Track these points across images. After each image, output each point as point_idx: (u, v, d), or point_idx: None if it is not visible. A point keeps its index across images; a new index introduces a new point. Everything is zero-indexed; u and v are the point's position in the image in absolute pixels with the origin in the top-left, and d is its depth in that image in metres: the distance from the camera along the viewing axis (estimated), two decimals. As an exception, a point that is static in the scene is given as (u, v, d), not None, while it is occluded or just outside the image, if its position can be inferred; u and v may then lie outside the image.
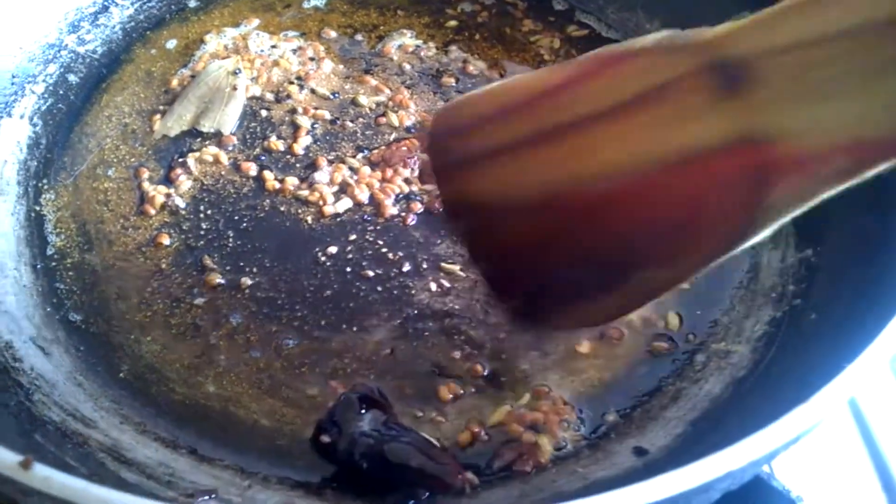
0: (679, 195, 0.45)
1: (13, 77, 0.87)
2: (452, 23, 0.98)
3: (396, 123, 0.88)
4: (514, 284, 0.65)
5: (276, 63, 0.93)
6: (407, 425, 0.66)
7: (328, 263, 0.78)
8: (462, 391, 0.71)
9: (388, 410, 0.66)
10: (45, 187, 0.83)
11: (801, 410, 0.49)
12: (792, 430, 0.49)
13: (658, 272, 0.54)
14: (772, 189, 0.44)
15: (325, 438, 0.64)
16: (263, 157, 0.85)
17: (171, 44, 0.95)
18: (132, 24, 0.96)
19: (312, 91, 0.91)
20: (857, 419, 0.73)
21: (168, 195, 0.82)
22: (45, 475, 0.47)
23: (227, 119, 0.87)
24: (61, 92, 0.89)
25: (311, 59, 0.93)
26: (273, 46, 0.94)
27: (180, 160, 0.85)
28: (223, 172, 0.84)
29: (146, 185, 0.83)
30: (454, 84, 0.92)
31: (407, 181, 0.83)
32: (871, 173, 0.46)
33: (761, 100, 0.43)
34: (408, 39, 0.96)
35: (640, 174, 0.45)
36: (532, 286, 0.64)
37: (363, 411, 0.65)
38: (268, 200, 0.82)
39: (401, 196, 0.83)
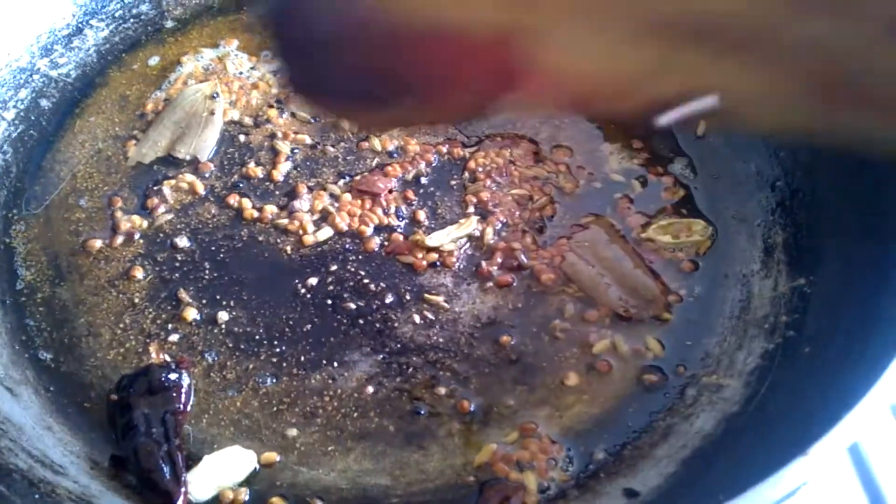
0: (450, 57, 0.51)
1: (-18, 103, 0.84)
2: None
3: (379, 148, 0.86)
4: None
5: (255, 86, 0.90)
6: (179, 434, 0.66)
7: (308, 296, 0.76)
8: (447, 429, 0.69)
9: (177, 408, 0.67)
10: (16, 218, 0.80)
11: (801, 463, 0.47)
12: (791, 483, 0.47)
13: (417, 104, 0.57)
14: (509, 90, 0.50)
15: (114, 396, 0.67)
16: (241, 185, 0.83)
17: (147, 66, 0.92)
18: (107, 45, 0.93)
19: (293, 115, 0.88)
20: (858, 464, 0.71)
21: (142, 225, 0.80)
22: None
23: (204, 145, 0.85)
24: (33, 118, 0.87)
25: (291, 81, 0.91)
26: (252, 68, 0.92)
27: (155, 188, 0.82)
28: (199, 201, 0.82)
29: (119, 215, 0.80)
30: (438, 106, 0.89)
31: (388, 210, 0.81)
32: None
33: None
34: (390, 60, 0.93)
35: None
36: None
37: (156, 393, 0.66)
38: (246, 230, 0.80)
39: (382, 225, 0.80)
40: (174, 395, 0.67)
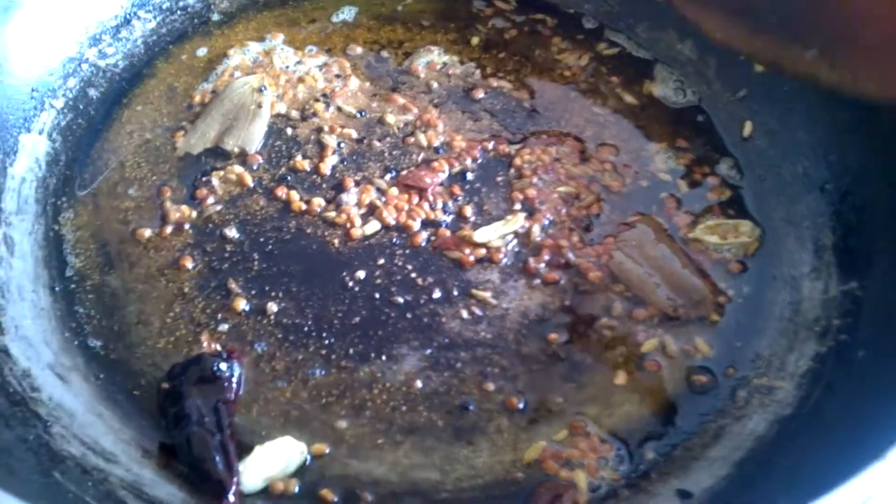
0: None
1: (33, 91, 0.84)
2: (478, 39, 0.95)
3: (424, 143, 0.86)
4: None
5: (301, 80, 0.90)
6: (230, 424, 0.66)
7: (356, 289, 0.76)
8: (496, 425, 0.69)
9: (229, 398, 0.67)
10: (65, 206, 0.81)
11: (878, 468, 0.46)
12: (868, 487, 0.46)
13: None
14: None
15: (165, 384, 0.67)
16: (289, 177, 0.83)
17: (195, 58, 0.92)
18: (154, 37, 0.93)
19: (339, 109, 0.88)
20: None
21: (191, 216, 0.80)
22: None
23: (252, 137, 0.85)
24: (81, 107, 0.87)
25: (338, 75, 0.91)
26: (298, 62, 0.92)
27: (204, 179, 0.82)
28: (248, 192, 0.82)
29: (168, 205, 0.80)
30: (482, 102, 0.89)
31: (435, 205, 0.81)
32: None
33: None
34: (435, 56, 0.93)
35: None
36: None
37: (208, 383, 0.66)
38: (294, 222, 0.80)
39: (429, 220, 0.80)
40: (226, 384, 0.67)
